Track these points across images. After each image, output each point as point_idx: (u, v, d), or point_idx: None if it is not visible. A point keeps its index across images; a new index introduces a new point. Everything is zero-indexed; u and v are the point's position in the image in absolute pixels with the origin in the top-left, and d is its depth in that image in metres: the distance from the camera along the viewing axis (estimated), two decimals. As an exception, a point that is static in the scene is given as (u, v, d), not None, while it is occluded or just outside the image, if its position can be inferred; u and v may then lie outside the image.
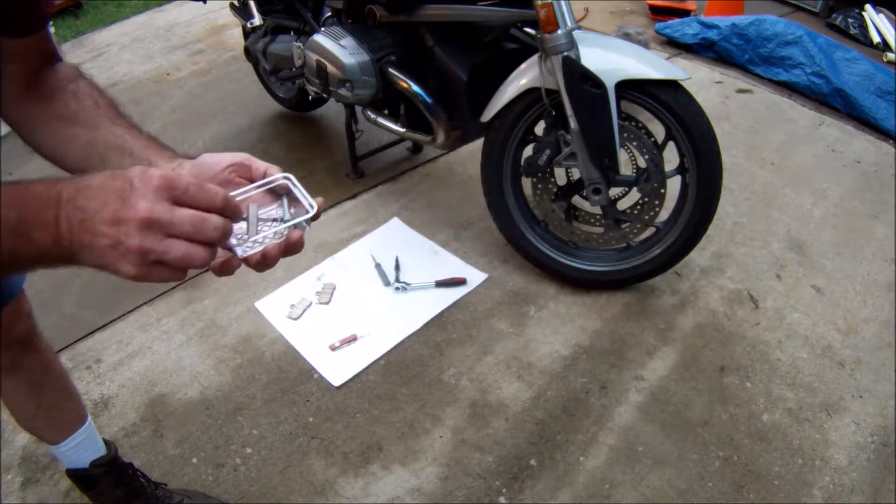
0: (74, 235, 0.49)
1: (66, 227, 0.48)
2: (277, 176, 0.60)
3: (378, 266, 1.99)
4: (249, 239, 0.57)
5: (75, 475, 1.26)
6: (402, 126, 2.04)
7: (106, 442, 1.27)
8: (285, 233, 0.59)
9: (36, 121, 0.70)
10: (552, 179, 1.80)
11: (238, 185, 0.61)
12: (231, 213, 0.53)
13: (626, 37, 2.86)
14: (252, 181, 0.62)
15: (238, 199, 0.57)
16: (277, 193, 0.63)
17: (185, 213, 0.49)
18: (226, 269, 0.58)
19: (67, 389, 1.19)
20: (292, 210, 0.62)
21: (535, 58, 1.63)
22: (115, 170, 0.50)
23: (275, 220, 0.62)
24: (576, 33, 1.55)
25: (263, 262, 0.59)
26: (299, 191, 0.60)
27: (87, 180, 0.49)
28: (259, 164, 0.62)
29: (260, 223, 0.59)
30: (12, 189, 0.48)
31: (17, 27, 0.67)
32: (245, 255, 0.58)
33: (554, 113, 1.68)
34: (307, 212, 0.59)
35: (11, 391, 1.11)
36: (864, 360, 1.68)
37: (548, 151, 1.72)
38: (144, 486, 1.31)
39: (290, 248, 0.60)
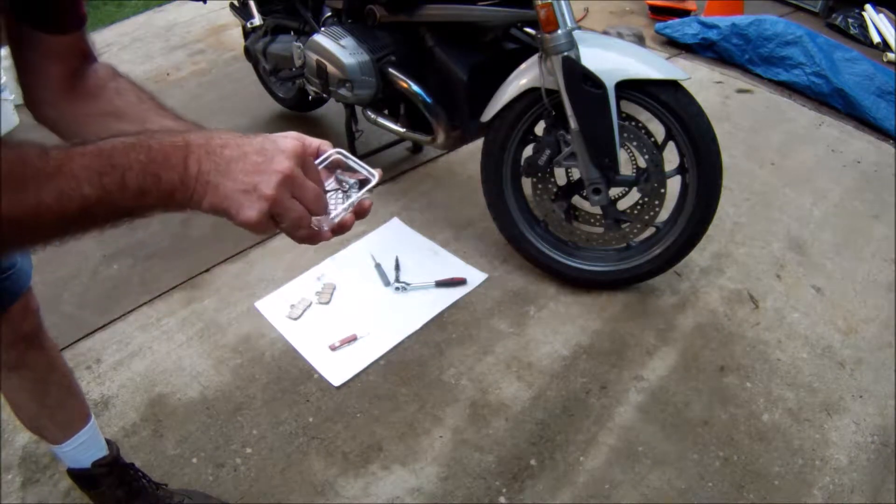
0: (202, 176, 0.53)
1: (195, 170, 0.52)
2: (331, 152, 0.64)
3: (378, 266, 1.99)
4: (333, 212, 0.62)
5: (77, 475, 1.26)
6: (402, 126, 2.04)
7: (108, 442, 1.27)
8: (356, 202, 0.63)
9: (81, 119, 0.71)
10: (552, 179, 1.80)
11: None
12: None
13: (619, 37, 2.86)
14: None
15: None
16: (335, 168, 0.67)
17: (311, 183, 0.56)
18: (316, 238, 0.61)
19: (71, 388, 1.19)
20: (353, 181, 0.66)
21: (535, 58, 1.63)
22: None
23: (338, 190, 0.66)
24: (576, 33, 1.55)
25: (342, 230, 0.63)
26: (355, 162, 0.65)
27: (215, 134, 0.54)
28: (312, 141, 0.64)
29: (331, 194, 0.65)
30: (139, 137, 0.52)
31: (56, 24, 0.69)
32: (333, 224, 0.61)
33: (554, 113, 1.68)
34: (369, 180, 0.64)
35: (16, 389, 1.11)
36: (864, 360, 1.68)
37: (548, 151, 1.72)
38: (146, 487, 1.31)
39: (362, 214, 0.64)
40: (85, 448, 1.21)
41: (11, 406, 1.15)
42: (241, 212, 0.54)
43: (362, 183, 0.64)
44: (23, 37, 0.69)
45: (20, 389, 1.11)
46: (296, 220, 0.56)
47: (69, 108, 0.72)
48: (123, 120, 0.70)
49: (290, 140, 0.56)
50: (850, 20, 3.58)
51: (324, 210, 0.58)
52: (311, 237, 0.60)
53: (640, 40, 2.95)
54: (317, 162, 0.64)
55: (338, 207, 0.62)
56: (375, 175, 0.63)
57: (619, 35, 2.93)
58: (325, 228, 0.61)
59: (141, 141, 0.52)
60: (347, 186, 0.66)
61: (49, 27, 0.69)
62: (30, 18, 0.68)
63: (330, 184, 0.66)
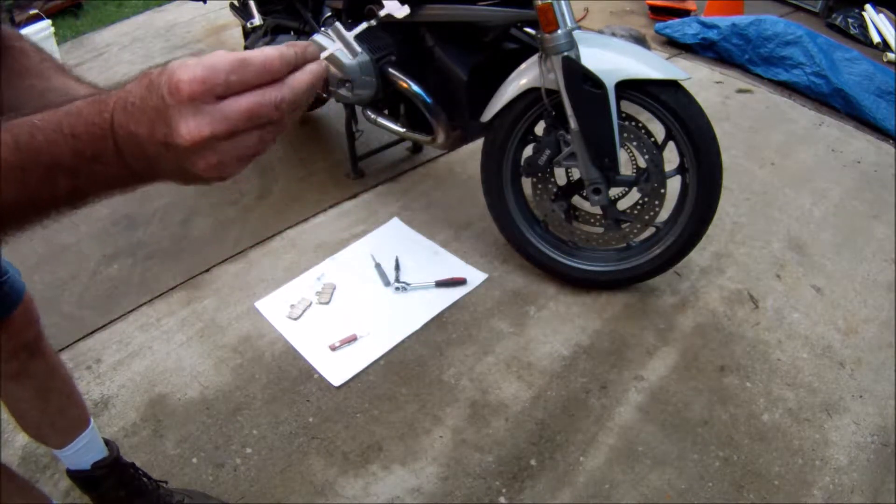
0: (139, 162, 0.45)
1: (129, 155, 0.44)
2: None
3: (378, 266, 1.99)
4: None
5: (77, 476, 1.26)
6: (402, 126, 2.04)
7: (107, 442, 1.27)
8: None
9: None
10: (552, 179, 1.80)
11: None
12: (303, 61, 0.45)
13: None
14: None
15: None
16: None
17: (238, 109, 0.42)
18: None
19: (72, 395, 1.18)
20: None
21: (535, 58, 1.63)
22: (110, 89, 0.45)
23: None
24: (576, 33, 1.55)
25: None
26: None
27: (131, 97, 0.43)
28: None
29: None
30: (62, 122, 0.44)
31: None
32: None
33: (554, 113, 1.68)
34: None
35: (17, 398, 1.11)
36: (864, 360, 1.68)
37: (548, 151, 1.72)
38: (146, 486, 1.31)
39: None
40: (85, 451, 1.22)
41: (13, 414, 1.15)
42: (199, 181, 0.46)
43: None
44: None
45: (21, 399, 1.11)
46: (259, 148, 0.44)
47: None
48: (29, 77, 0.69)
49: (182, 77, 0.41)
50: (850, 20, 3.58)
51: (288, 107, 0.44)
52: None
53: (636, 41, 2.94)
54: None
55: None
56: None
57: (613, 35, 2.93)
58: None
59: (62, 129, 0.43)
60: None
61: None
62: None
63: None
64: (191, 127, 0.41)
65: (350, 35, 0.60)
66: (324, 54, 0.49)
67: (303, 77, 0.45)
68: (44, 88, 0.68)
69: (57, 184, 0.44)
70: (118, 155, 0.44)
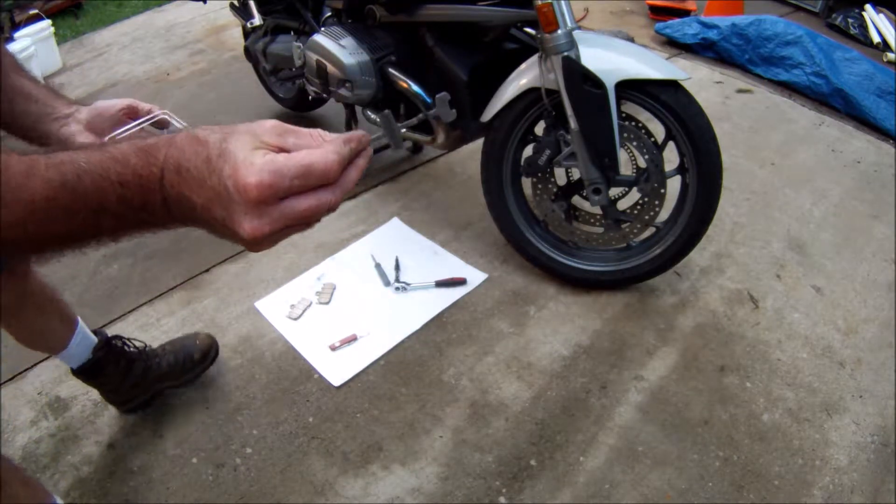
0: (185, 217, 0.49)
1: (176, 210, 0.48)
2: (158, 112, 0.74)
3: (378, 266, 1.99)
4: None
5: (82, 370, 1.41)
6: (403, 126, 2.04)
7: (94, 332, 1.43)
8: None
9: None
10: (552, 179, 1.80)
11: (127, 123, 0.76)
12: (357, 154, 0.51)
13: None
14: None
15: (125, 133, 0.73)
16: (161, 127, 0.78)
17: (297, 211, 0.47)
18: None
19: (57, 298, 1.31)
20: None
21: (535, 58, 1.63)
22: (149, 136, 0.49)
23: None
24: (576, 33, 1.55)
25: None
26: (177, 121, 0.73)
27: (185, 162, 0.46)
28: (144, 105, 0.74)
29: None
30: (110, 169, 0.46)
31: None
32: None
33: (554, 113, 1.68)
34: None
35: (21, 321, 1.23)
36: (864, 360, 1.68)
37: (548, 151, 1.72)
38: (135, 352, 1.50)
39: None
40: (82, 343, 1.38)
41: (19, 339, 1.28)
42: (240, 227, 0.48)
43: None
44: None
45: (25, 319, 1.24)
46: (304, 228, 0.49)
47: None
48: None
49: (251, 182, 0.44)
50: (850, 20, 3.58)
51: (333, 210, 0.49)
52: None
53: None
54: (143, 119, 0.75)
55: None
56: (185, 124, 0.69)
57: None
58: None
59: (109, 176, 0.46)
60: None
61: None
62: None
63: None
64: (254, 226, 0.45)
65: (399, 127, 0.78)
66: (372, 145, 0.54)
67: (354, 175, 0.49)
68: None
69: (101, 224, 0.47)
70: (165, 207, 0.47)
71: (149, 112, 0.76)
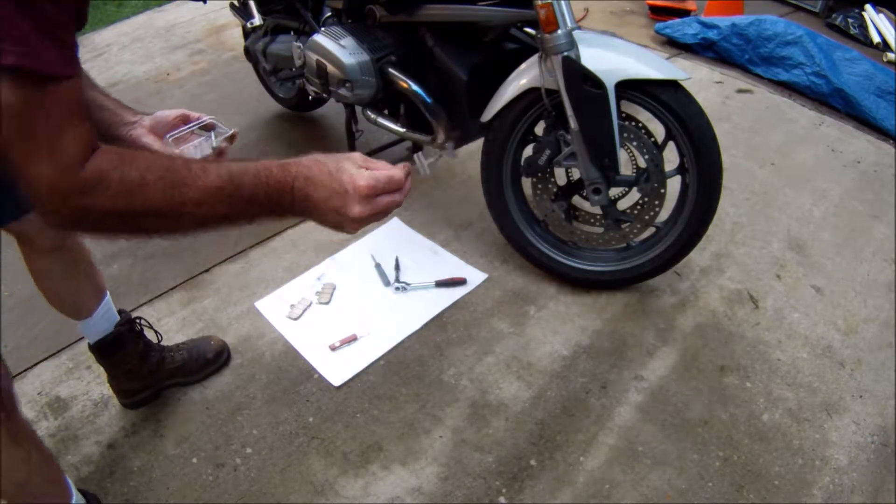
0: (303, 213, 0.76)
1: (299, 208, 0.76)
2: (206, 118, 0.99)
3: (378, 266, 1.99)
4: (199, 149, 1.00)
5: (101, 344, 1.44)
6: (402, 126, 2.04)
7: (118, 311, 1.49)
8: (214, 146, 0.98)
9: None
10: (552, 179, 1.80)
11: (180, 127, 1.01)
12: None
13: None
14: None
15: (179, 134, 1.00)
16: (209, 129, 1.04)
17: (383, 204, 0.77)
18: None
19: (91, 264, 1.39)
20: (219, 138, 1.02)
21: (535, 58, 1.63)
22: (288, 160, 0.75)
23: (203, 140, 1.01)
24: (576, 33, 1.55)
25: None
26: (221, 126, 0.97)
27: (312, 174, 0.74)
28: (194, 114, 1.00)
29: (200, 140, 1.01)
30: (260, 173, 0.73)
31: None
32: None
33: (554, 113, 1.68)
34: (225, 133, 0.99)
35: (51, 274, 1.30)
36: (864, 360, 1.68)
37: (548, 151, 1.72)
38: (151, 342, 1.56)
39: (222, 154, 1.00)
40: (107, 315, 1.44)
41: (48, 296, 1.33)
42: (340, 231, 0.79)
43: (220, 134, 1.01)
44: None
45: (55, 273, 1.30)
46: (386, 210, 0.78)
47: None
48: None
49: (362, 183, 0.75)
50: (850, 20, 3.58)
51: (398, 206, 0.80)
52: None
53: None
54: (193, 124, 1.02)
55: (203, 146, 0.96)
56: (231, 130, 1.00)
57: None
58: (201, 154, 0.96)
59: (260, 177, 0.72)
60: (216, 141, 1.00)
61: None
62: None
63: (202, 140, 1.01)
64: (362, 209, 0.75)
65: (427, 163, 1.12)
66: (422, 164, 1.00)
67: (408, 185, 0.79)
68: None
69: (250, 210, 0.73)
70: (291, 203, 0.75)
71: (198, 118, 1.02)
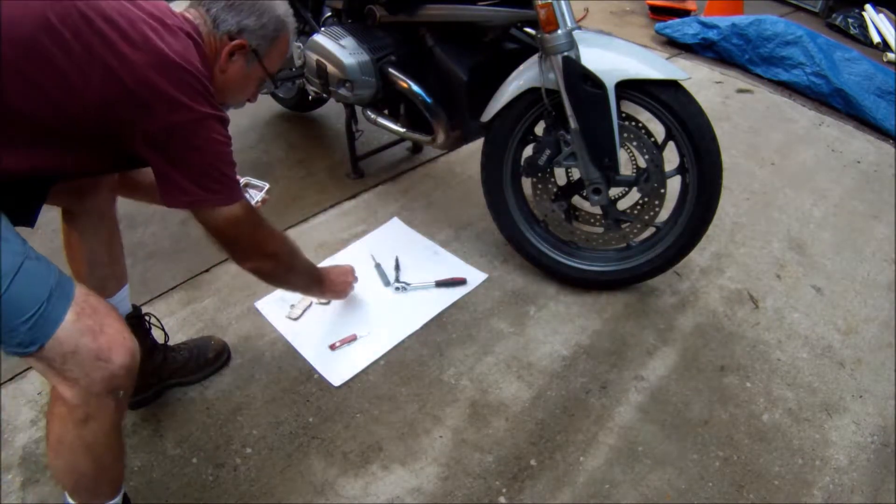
0: (330, 288, 1.67)
1: (328, 287, 1.65)
2: (241, 179, 1.36)
3: (378, 266, 1.99)
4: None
5: None
6: (402, 126, 2.04)
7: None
8: (258, 201, 1.47)
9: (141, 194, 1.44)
10: (552, 179, 1.80)
11: None
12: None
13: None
14: None
15: None
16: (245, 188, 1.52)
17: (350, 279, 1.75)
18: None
19: (121, 248, 1.44)
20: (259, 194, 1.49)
21: (535, 58, 1.63)
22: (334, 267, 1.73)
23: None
24: (576, 33, 1.55)
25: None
26: (256, 182, 1.40)
27: (329, 274, 1.66)
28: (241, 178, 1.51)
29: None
30: (315, 274, 1.58)
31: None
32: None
33: (554, 113, 1.68)
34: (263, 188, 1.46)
35: (92, 242, 1.35)
36: (864, 360, 1.68)
37: (548, 151, 1.72)
38: (156, 340, 1.58)
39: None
40: (125, 302, 1.47)
41: (81, 272, 1.36)
42: (343, 294, 1.76)
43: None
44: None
45: (96, 242, 1.35)
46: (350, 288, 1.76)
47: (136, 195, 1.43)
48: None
49: (349, 274, 1.76)
50: (850, 20, 3.59)
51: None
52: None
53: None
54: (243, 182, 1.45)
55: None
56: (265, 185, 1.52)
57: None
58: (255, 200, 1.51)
59: (316, 275, 1.58)
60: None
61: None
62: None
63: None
64: (351, 280, 1.79)
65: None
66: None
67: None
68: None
69: (315, 288, 1.67)
70: (322, 284, 1.66)
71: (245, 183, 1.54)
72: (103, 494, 1.13)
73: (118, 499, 1.17)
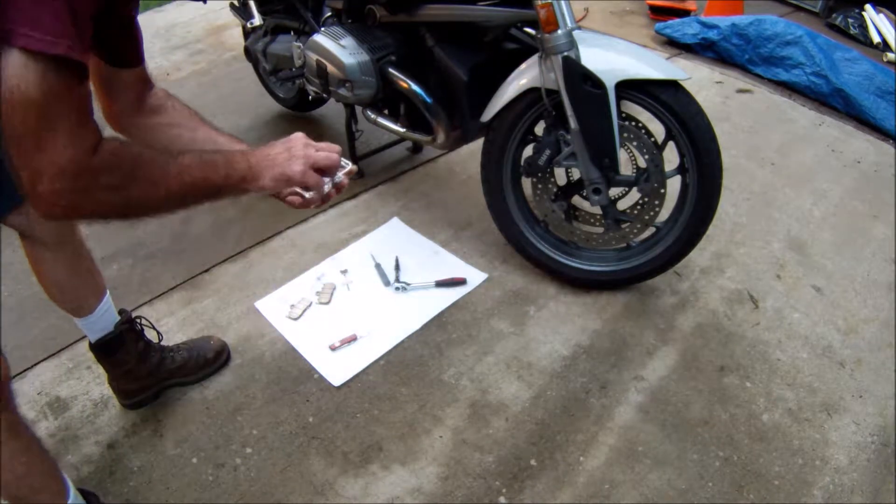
0: (261, 168, 0.89)
1: (255, 165, 0.88)
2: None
3: (378, 266, 1.99)
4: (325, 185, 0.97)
5: (101, 343, 1.44)
6: (402, 126, 2.04)
7: (118, 311, 1.50)
8: (338, 182, 0.99)
9: (149, 128, 1.06)
10: (552, 179, 1.80)
11: None
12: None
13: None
14: None
15: None
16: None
17: (320, 153, 0.93)
18: (327, 199, 0.98)
19: (92, 262, 1.41)
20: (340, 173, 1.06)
21: (535, 58, 1.63)
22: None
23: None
24: (576, 33, 1.55)
25: (329, 198, 0.99)
26: (343, 160, 1.01)
27: (263, 148, 0.92)
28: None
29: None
30: (220, 155, 0.88)
31: (128, 62, 1.04)
32: (331, 188, 0.98)
33: (554, 113, 1.68)
34: (346, 167, 1.01)
35: (55, 268, 1.31)
36: (864, 360, 1.68)
37: (548, 151, 1.72)
38: (151, 342, 1.56)
39: (340, 188, 1.00)
40: (108, 314, 1.44)
41: (50, 292, 1.35)
42: (291, 168, 0.90)
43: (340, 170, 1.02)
44: (106, 72, 1.02)
45: (58, 268, 1.31)
46: (316, 181, 0.93)
47: (140, 121, 1.06)
48: (179, 128, 1.06)
49: (297, 134, 0.95)
50: (850, 20, 3.59)
51: (332, 171, 0.96)
52: (324, 200, 0.97)
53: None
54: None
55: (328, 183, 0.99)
56: (349, 164, 1.01)
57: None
58: (326, 189, 0.96)
59: (222, 157, 0.88)
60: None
61: (123, 65, 1.03)
62: (110, 60, 1.01)
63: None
64: (303, 141, 0.94)
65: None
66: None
67: (335, 192, 1.00)
68: (191, 137, 1.05)
69: (211, 182, 0.85)
70: (247, 161, 0.89)
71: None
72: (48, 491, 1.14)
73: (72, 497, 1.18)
